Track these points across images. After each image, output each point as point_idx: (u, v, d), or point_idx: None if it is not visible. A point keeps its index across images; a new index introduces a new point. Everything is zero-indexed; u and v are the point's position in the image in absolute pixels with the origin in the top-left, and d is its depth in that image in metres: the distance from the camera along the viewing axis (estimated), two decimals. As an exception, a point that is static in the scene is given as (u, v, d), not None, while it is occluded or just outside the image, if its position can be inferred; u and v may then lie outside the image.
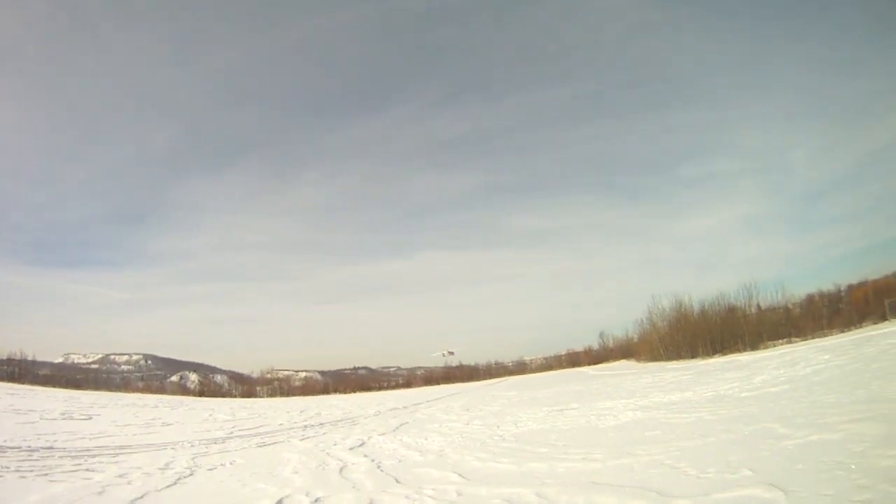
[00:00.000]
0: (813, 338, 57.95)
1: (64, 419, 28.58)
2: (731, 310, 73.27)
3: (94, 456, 17.11)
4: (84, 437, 21.64)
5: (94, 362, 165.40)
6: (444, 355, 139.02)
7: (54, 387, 66.70)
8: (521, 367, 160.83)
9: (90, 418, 30.09)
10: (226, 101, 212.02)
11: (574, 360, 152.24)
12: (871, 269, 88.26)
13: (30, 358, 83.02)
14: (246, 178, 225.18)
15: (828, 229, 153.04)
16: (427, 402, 48.46)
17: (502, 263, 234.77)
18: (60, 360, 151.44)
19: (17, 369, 76.84)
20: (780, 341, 62.36)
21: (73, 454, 17.27)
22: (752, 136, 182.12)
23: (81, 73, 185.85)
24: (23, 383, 62.96)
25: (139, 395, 68.97)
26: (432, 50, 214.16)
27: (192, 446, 20.25)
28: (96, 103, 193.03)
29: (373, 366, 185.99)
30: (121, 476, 13.66)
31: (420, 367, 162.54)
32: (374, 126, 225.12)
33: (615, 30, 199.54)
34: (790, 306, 76.66)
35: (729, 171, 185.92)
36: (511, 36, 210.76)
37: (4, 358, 79.38)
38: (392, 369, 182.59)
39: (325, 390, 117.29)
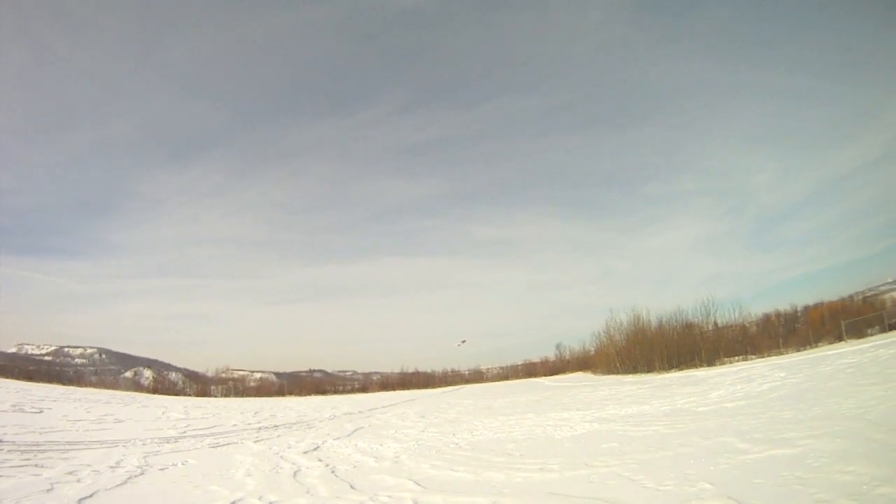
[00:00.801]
0: (769, 356, 58.41)
1: (14, 411, 28.16)
2: (689, 326, 73.57)
3: (43, 451, 16.77)
4: (34, 431, 21.20)
5: (47, 354, 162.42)
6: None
7: (6, 377, 65.37)
8: (477, 376, 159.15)
9: (41, 412, 29.48)
10: (192, 93, 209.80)
11: (531, 370, 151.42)
12: (828, 291, 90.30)
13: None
14: (210, 173, 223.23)
15: (786, 251, 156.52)
16: (383, 407, 48.13)
17: (462, 271, 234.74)
18: (13, 350, 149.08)
19: (-32, 358, 75.34)
20: (737, 358, 62.70)
21: (22, 448, 16.94)
22: (716, 158, 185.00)
23: (46, 56, 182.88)
24: (-27, 373, 61.86)
25: (92, 389, 67.61)
26: (402, 54, 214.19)
27: (144, 444, 19.87)
28: (59, 87, 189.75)
29: (329, 369, 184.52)
30: (70, 473, 13.38)
31: (376, 372, 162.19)
32: (339, 127, 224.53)
33: (586, 45, 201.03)
34: (747, 324, 77.24)
35: (692, 191, 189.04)
36: (482, 45, 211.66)
37: (-46, 346, 77.83)
38: (348, 373, 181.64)
39: (281, 392, 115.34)
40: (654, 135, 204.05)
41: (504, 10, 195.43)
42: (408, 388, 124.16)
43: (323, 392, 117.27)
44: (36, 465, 14.24)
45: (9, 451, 16.30)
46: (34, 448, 17.23)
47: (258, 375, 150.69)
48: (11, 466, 13.75)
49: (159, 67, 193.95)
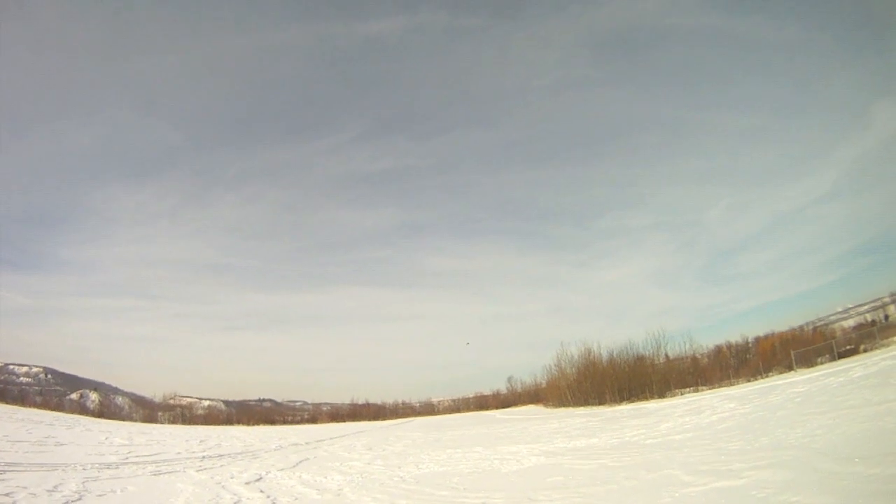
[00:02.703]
0: (720, 387, 59.10)
1: (-48, 429, 27.32)
2: (640, 358, 73.98)
3: None
4: (-30, 451, 20.59)
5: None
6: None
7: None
8: (428, 408, 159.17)
9: (-20, 431, 28.70)
10: (151, 112, 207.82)
11: (482, 403, 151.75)
12: (780, 323, 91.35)
13: (-82, 360, 79.27)
14: (165, 194, 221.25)
15: (738, 284, 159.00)
16: (331, 439, 47.57)
17: (415, 302, 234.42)
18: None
19: None
20: (688, 390, 63.30)
21: None
22: (670, 194, 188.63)
23: (7, 61, 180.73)
24: None
25: (36, 410, 66.17)
26: (362, 83, 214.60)
27: (84, 469, 19.36)
28: (14, 93, 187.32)
29: (279, 398, 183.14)
30: (6, 495, 12.99)
31: (326, 403, 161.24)
32: (296, 154, 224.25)
33: (544, 82, 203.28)
34: (698, 356, 78.17)
35: (646, 225, 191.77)
36: (442, 77, 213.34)
37: None
38: (298, 403, 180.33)
39: (229, 421, 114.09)
40: (609, 170, 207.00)
41: (465, 45, 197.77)
42: (358, 420, 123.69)
43: (272, 422, 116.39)
44: (-30, 486, 13.78)
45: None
46: (-29, 467, 16.67)
47: (206, 403, 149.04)
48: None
49: (119, 84, 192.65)
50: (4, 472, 16.85)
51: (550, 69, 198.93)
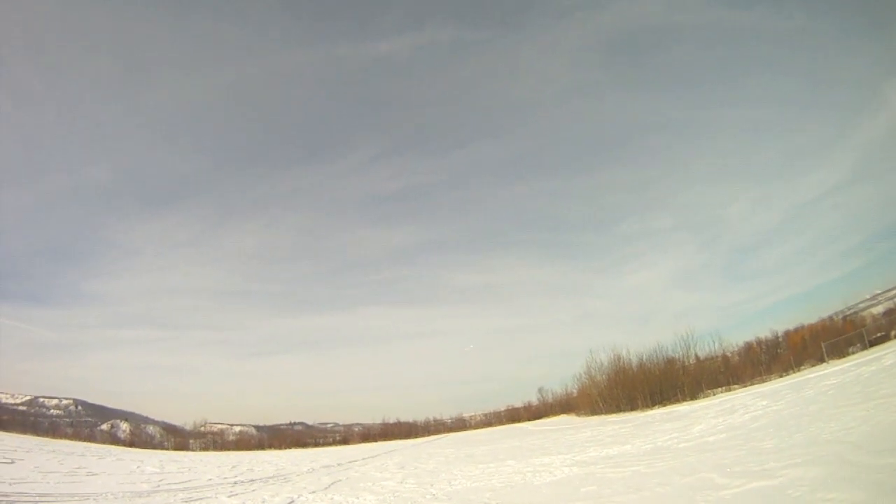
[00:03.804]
0: (752, 384, 58.46)
1: (-15, 461, 27.48)
2: (670, 361, 73.10)
3: (12, 502, 16.58)
4: (3, 482, 20.87)
5: (21, 403, 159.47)
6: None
7: (-22, 427, 64.37)
8: (460, 424, 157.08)
9: (13, 462, 29.01)
10: (169, 141, 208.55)
11: (514, 415, 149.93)
12: (809, 314, 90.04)
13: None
14: (186, 223, 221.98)
15: (763, 279, 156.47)
16: (363, 459, 47.37)
17: (441, 319, 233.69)
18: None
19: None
20: (720, 389, 62.63)
21: None
22: (688, 193, 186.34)
23: (22, 95, 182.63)
24: (-57, 420, 60.73)
25: (67, 441, 66.47)
26: (375, 102, 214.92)
27: (115, 498, 19.46)
28: (35, 128, 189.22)
29: (310, 421, 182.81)
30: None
31: (358, 424, 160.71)
32: (315, 177, 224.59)
33: (555, 89, 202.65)
34: (729, 355, 77.34)
35: (666, 227, 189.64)
36: (453, 92, 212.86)
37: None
38: (329, 425, 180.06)
39: (260, 446, 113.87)
40: (625, 174, 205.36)
41: (473, 59, 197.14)
42: (389, 439, 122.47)
43: (303, 445, 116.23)
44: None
45: (-23, 501, 15.85)
46: (3, 498, 16.89)
47: (237, 429, 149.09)
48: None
49: (135, 114, 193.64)
50: (37, 502, 16.97)
51: (560, 76, 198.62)
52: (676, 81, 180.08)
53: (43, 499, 17.81)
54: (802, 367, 58.79)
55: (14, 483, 20.76)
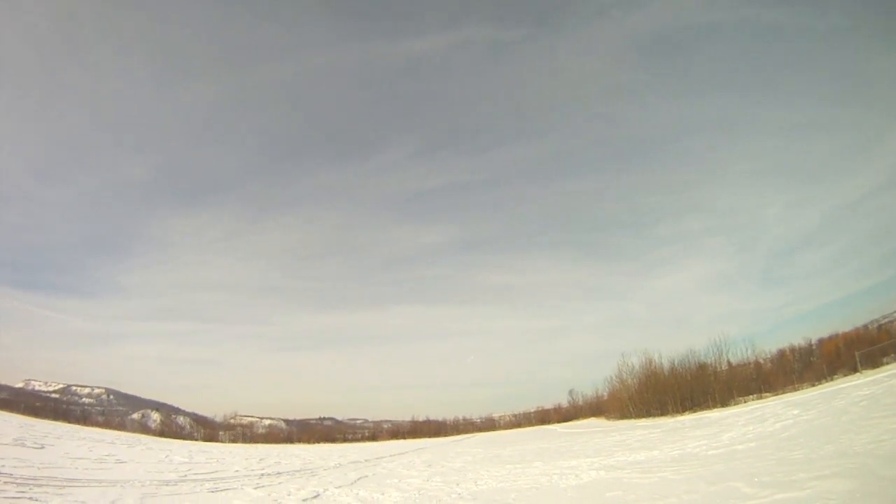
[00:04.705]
0: (784, 392, 57.58)
1: (16, 445, 28.07)
2: (702, 366, 72.20)
3: (40, 486, 16.68)
4: (33, 466, 21.11)
5: (55, 391, 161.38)
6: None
7: (11, 412, 64.95)
8: (489, 424, 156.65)
9: (43, 447, 29.32)
10: (205, 138, 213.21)
11: (543, 417, 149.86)
12: (844, 322, 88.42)
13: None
14: (221, 218, 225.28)
15: (799, 284, 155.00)
16: (390, 456, 47.62)
17: (473, 319, 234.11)
18: (20, 385, 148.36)
19: (-28, 390, 74.51)
20: (751, 397, 61.74)
21: (18, 482, 16.85)
22: (725, 196, 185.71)
23: (67, 96, 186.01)
24: (-22, 405, 61.41)
25: (98, 429, 67.06)
26: (411, 101, 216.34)
27: (142, 486, 19.57)
28: (78, 127, 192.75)
29: (339, 416, 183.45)
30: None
31: (387, 421, 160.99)
32: (349, 174, 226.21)
33: (590, 90, 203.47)
34: (761, 361, 76.27)
35: (702, 230, 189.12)
36: (489, 92, 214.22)
37: (-39, 377, 77.16)
38: (359, 421, 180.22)
39: (289, 439, 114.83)
40: (661, 176, 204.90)
41: (510, 58, 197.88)
42: (418, 437, 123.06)
43: (332, 440, 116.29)
44: (30, 499, 14.20)
45: (5, 482, 16.25)
46: (31, 482, 17.10)
47: (267, 422, 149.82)
48: (6, 498, 13.68)
49: (173, 112, 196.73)
50: (65, 487, 17.14)
51: (596, 76, 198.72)
52: (713, 81, 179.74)
53: (71, 484, 18.00)
54: (835, 377, 57.95)
55: (43, 468, 20.98)
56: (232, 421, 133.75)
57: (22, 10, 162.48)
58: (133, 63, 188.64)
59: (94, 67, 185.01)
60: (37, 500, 14.12)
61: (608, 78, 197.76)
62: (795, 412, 29.10)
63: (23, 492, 14.96)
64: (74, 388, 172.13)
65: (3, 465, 19.41)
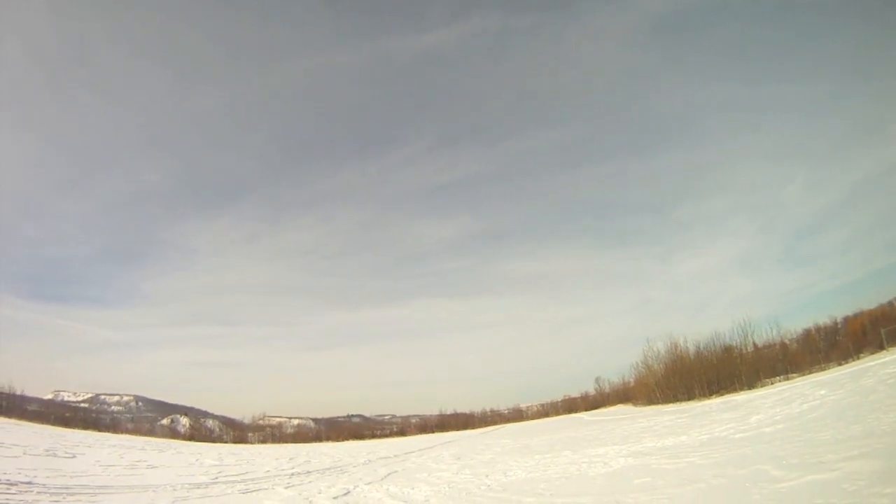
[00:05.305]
0: (810, 373, 57.21)
1: (48, 456, 28.13)
2: (727, 349, 71.89)
3: (73, 494, 16.86)
4: (65, 475, 21.18)
5: (83, 401, 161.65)
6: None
7: (42, 423, 65.47)
8: (517, 415, 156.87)
9: (74, 457, 29.59)
10: (221, 142, 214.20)
11: (571, 406, 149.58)
12: (867, 299, 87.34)
13: (18, 392, 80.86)
14: (241, 221, 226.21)
15: (823, 262, 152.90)
16: (419, 450, 47.73)
17: (497, 309, 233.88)
18: (50, 396, 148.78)
19: (4, 403, 74.86)
20: (778, 378, 61.34)
21: (51, 491, 16.98)
22: (744, 175, 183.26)
23: (80, 109, 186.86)
24: (10, 418, 61.74)
25: (128, 436, 67.61)
26: (424, 94, 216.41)
27: (174, 490, 19.75)
28: (93, 139, 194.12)
29: (367, 413, 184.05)
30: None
31: (415, 415, 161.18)
32: (368, 171, 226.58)
33: (604, 74, 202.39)
34: (787, 342, 75.74)
35: (722, 211, 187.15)
36: (502, 81, 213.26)
37: (-8, 391, 77.68)
38: (387, 417, 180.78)
39: (318, 438, 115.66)
40: (679, 157, 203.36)
41: (520, 46, 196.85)
42: (446, 430, 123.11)
43: (361, 437, 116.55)
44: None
45: (38, 492, 16.40)
46: (64, 491, 17.26)
47: (296, 422, 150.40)
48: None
49: (188, 118, 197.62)
50: (96, 494, 17.34)
51: (609, 60, 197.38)
52: (729, 58, 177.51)
53: (103, 490, 18.20)
54: (861, 355, 57.48)
55: (75, 476, 21.15)
56: (260, 422, 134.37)
57: (29, 27, 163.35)
58: (144, 71, 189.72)
59: (105, 78, 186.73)
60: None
61: (620, 61, 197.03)
62: (822, 392, 28.96)
63: (56, 501, 15.18)
64: (103, 396, 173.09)
65: (36, 476, 19.57)
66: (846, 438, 13.94)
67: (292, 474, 27.58)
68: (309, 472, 29.14)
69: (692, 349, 76.39)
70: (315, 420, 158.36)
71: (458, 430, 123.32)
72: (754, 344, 72.88)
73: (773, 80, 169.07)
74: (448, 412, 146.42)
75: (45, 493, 16.42)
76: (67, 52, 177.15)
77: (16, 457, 25.50)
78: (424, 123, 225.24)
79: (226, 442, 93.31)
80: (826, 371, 52.28)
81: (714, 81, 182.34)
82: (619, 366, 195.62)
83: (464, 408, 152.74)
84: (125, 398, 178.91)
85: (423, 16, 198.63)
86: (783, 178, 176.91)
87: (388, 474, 25.95)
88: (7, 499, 14.49)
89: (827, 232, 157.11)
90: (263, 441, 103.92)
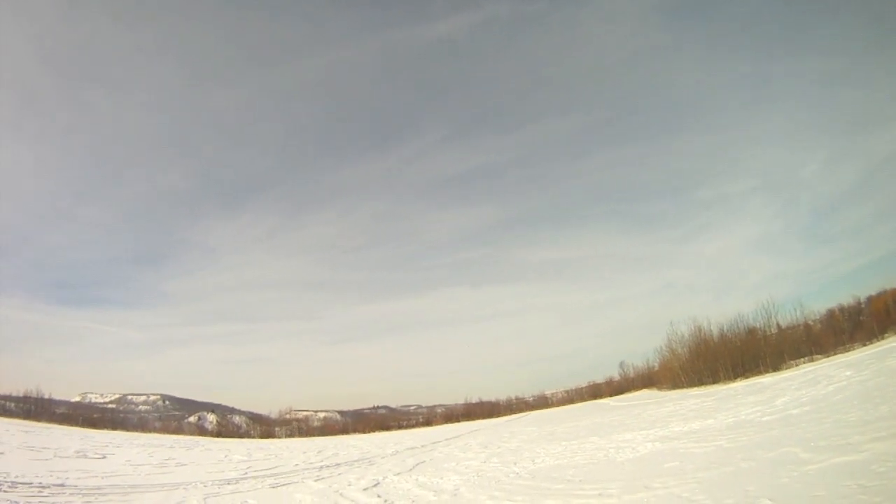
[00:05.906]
0: (835, 353, 56.91)
1: (78, 457, 28.48)
2: (751, 331, 71.98)
3: (104, 494, 17.01)
4: (96, 476, 21.46)
5: (111, 402, 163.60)
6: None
7: (71, 425, 66.05)
8: (542, 402, 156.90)
9: (104, 457, 29.92)
10: (238, 140, 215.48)
11: (596, 391, 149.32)
12: (891, 277, 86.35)
13: (46, 396, 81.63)
14: (260, 218, 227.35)
15: (845, 240, 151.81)
16: (446, 440, 47.98)
17: (519, 297, 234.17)
18: (77, 398, 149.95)
19: (33, 407, 75.67)
20: (803, 360, 60.97)
21: (83, 492, 17.15)
22: (763, 155, 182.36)
23: (98, 115, 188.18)
24: (39, 421, 62.40)
25: (156, 435, 68.54)
26: (438, 85, 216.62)
27: (204, 487, 19.96)
28: (113, 143, 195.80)
29: (393, 404, 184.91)
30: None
31: (440, 405, 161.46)
32: (384, 163, 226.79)
33: (618, 57, 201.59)
34: (811, 323, 75.26)
35: (742, 191, 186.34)
36: (516, 68, 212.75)
37: (21, 395, 78.55)
38: (412, 407, 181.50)
39: (345, 430, 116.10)
40: (697, 138, 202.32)
41: (532, 32, 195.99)
42: (472, 419, 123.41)
43: (387, 428, 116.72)
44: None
45: (70, 494, 16.56)
46: (96, 492, 17.45)
47: (322, 415, 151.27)
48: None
49: (204, 118, 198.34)
50: (128, 493, 17.52)
51: (622, 43, 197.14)
52: (743, 35, 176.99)
53: (134, 490, 18.40)
54: (886, 335, 57.16)
55: (106, 476, 21.40)
56: (287, 416, 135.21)
57: (42, 36, 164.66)
58: (159, 74, 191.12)
59: (120, 83, 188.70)
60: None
61: (633, 44, 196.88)
62: (848, 373, 28.85)
63: (88, 501, 15.32)
64: (130, 397, 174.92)
65: (67, 477, 19.79)
66: (873, 419, 13.95)
67: (321, 467, 27.76)
68: (338, 464, 29.31)
69: (716, 332, 76.24)
70: (341, 412, 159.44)
71: (483, 418, 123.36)
72: (778, 325, 72.66)
73: (790, 56, 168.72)
74: (473, 401, 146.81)
75: (78, 493, 16.62)
76: (77, 61, 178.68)
77: (47, 459, 25.74)
78: (439, 114, 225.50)
79: (253, 437, 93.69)
80: (850, 352, 51.99)
81: (728, 59, 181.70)
82: (644, 350, 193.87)
83: (488, 396, 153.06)
84: (152, 397, 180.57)
85: (431, 5, 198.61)
86: (803, 156, 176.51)
87: (417, 464, 26.06)
88: (41, 501, 14.67)
89: (849, 209, 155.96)
90: (291, 435, 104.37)
